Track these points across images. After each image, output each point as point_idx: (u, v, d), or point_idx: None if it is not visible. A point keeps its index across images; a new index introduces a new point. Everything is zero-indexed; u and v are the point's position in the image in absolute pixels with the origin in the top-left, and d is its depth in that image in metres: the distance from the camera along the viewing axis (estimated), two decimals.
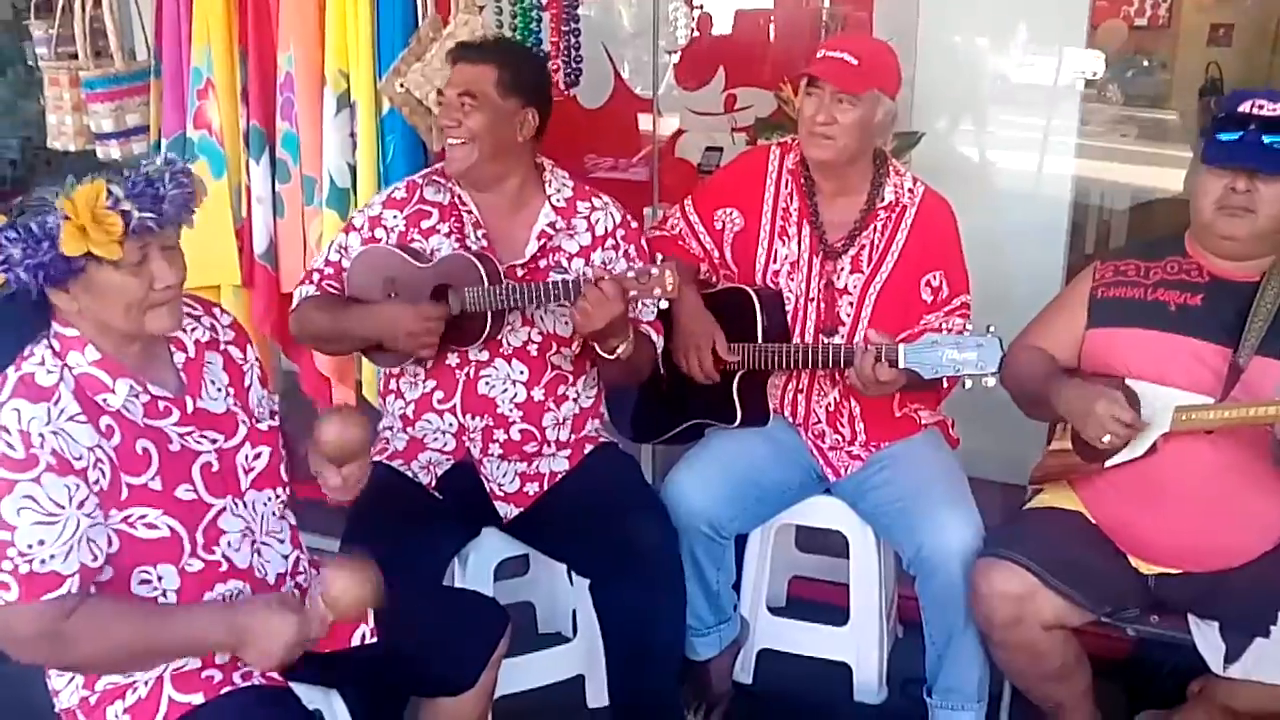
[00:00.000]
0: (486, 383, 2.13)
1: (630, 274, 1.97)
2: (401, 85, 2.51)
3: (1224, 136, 1.87)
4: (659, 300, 1.98)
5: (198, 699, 1.53)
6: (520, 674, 2.22)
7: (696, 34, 3.66)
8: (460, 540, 2.17)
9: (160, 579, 1.51)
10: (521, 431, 2.15)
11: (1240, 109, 1.86)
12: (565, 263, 2.16)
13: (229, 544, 1.57)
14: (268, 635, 1.48)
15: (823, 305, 2.21)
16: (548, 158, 2.26)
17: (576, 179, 2.24)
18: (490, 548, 2.22)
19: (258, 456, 1.63)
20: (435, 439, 2.17)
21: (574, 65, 2.74)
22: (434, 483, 2.16)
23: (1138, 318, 1.97)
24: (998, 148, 3.30)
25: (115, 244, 1.40)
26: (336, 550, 2.00)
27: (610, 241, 2.20)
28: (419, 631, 1.77)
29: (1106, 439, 1.85)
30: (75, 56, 2.88)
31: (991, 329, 1.94)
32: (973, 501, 2.15)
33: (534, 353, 2.14)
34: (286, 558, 1.68)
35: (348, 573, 1.51)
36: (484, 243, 2.13)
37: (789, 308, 2.22)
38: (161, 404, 1.54)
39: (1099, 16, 4.14)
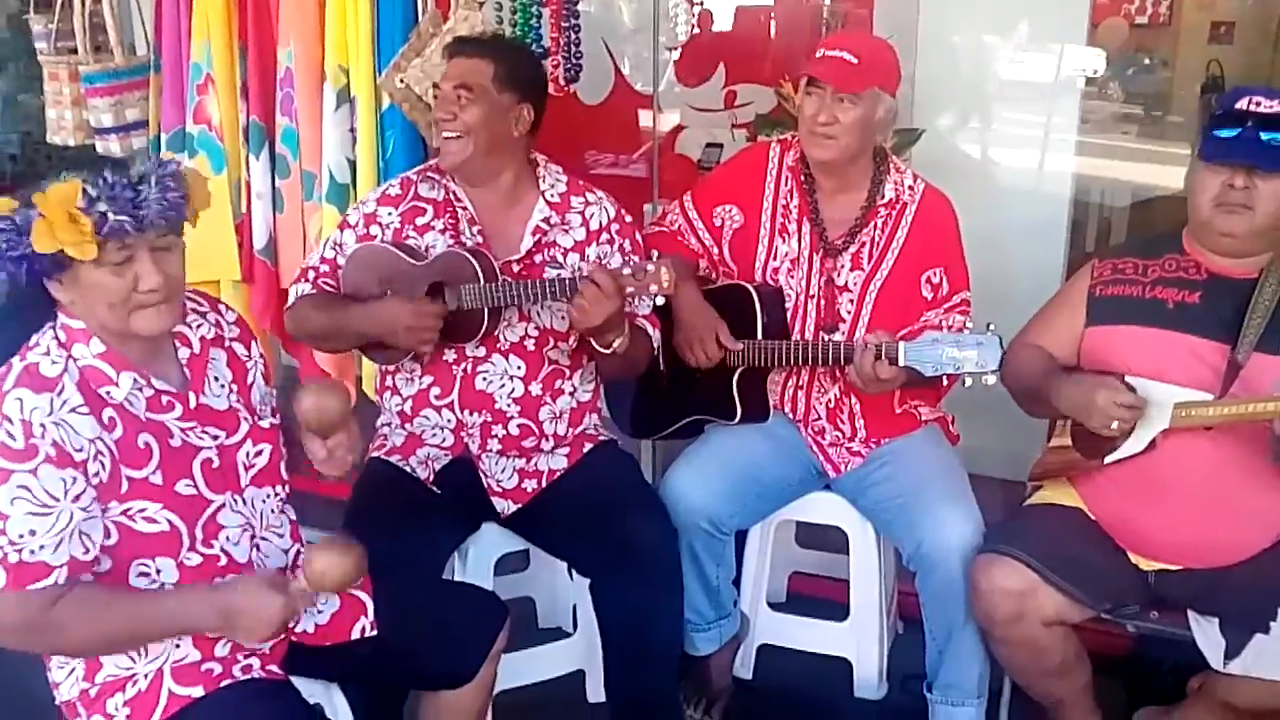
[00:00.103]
0: (484, 378, 2.13)
1: (627, 270, 1.97)
2: (401, 81, 2.51)
3: (1222, 133, 1.86)
4: (655, 296, 1.98)
5: (198, 692, 1.53)
6: (520, 669, 2.22)
7: (697, 30, 3.66)
8: (460, 535, 2.17)
9: (159, 572, 1.51)
10: (520, 427, 2.15)
11: (1238, 106, 1.85)
12: (560, 258, 2.16)
13: (228, 539, 1.57)
14: (255, 614, 1.48)
15: (823, 302, 2.21)
16: (549, 153, 2.26)
17: (570, 174, 2.24)
18: (490, 543, 2.22)
19: (259, 454, 1.63)
20: (434, 435, 2.17)
21: (574, 61, 2.74)
22: (431, 477, 2.16)
23: (1136, 315, 1.97)
24: (998, 145, 3.30)
25: (89, 244, 1.39)
26: None
27: (605, 236, 2.20)
28: (418, 625, 1.77)
29: (1114, 425, 1.84)
30: (75, 51, 2.88)
31: (992, 327, 1.94)
32: (973, 498, 2.15)
33: (531, 348, 2.14)
34: (286, 552, 1.68)
35: (332, 549, 1.50)
36: (479, 239, 2.13)
37: (789, 305, 2.22)
38: (164, 398, 1.54)
39: (1100, 14, 4.14)
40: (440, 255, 2.09)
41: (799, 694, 2.46)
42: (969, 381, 1.95)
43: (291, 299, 2.19)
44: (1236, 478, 1.88)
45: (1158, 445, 1.89)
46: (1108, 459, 1.94)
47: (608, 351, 2.05)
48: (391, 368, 2.19)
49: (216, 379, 1.62)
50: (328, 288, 2.16)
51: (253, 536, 1.62)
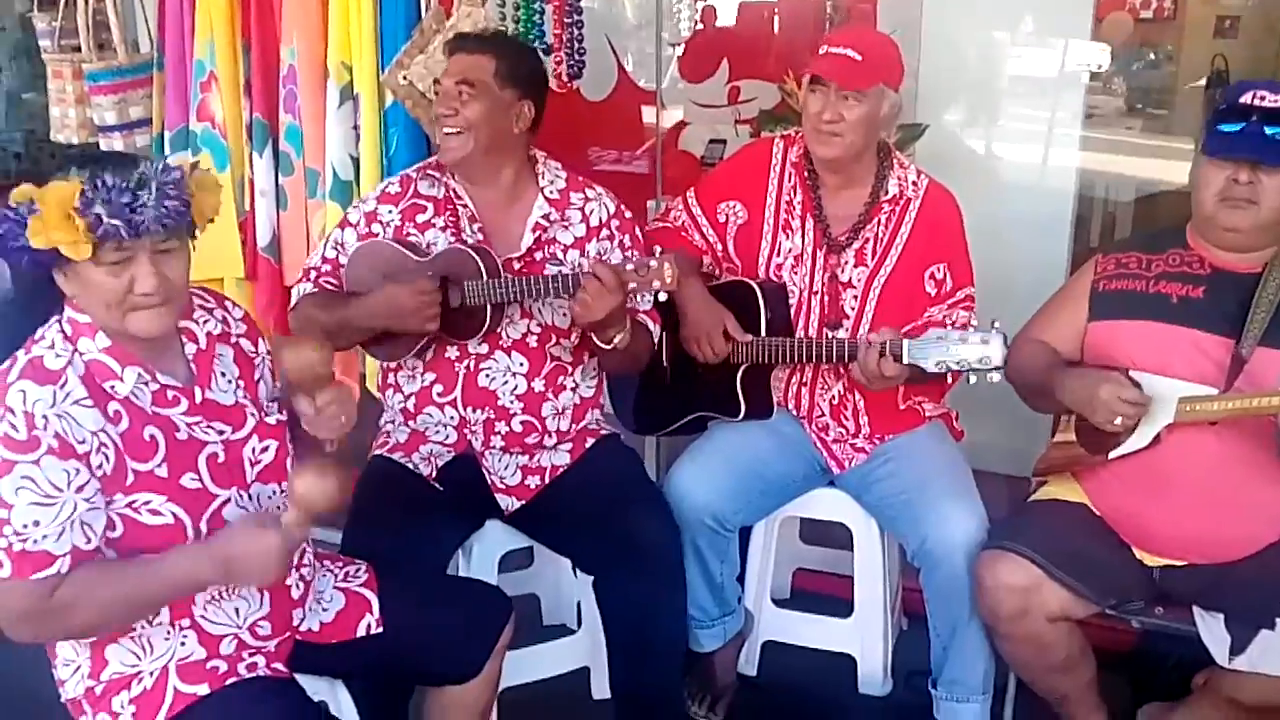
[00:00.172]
0: (487, 375, 2.13)
1: (629, 266, 1.96)
2: (404, 78, 2.51)
3: (1225, 128, 1.86)
4: (658, 292, 1.98)
5: (203, 689, 1.54)
6: (525, 665, 2.23)
7: (700, 26, 3.66)
8: (463, 532, 2.17)
9: None
10: (523, 423, 2.15)
11: (1242, 100, 1.85)
12: (560, 254, 2.16)
13: None
14: (254, 557, 1.46)
15: (827, 299, 2.21)
16: (552, 150, 2.26)
17: (569, 170, 2.24)
18: (494, 540, 2.22)
19: (265, 450, 1.63)
20: (437, 432, 2.17)
21: (577, 57, 2.74)
22: (434, 474, 2.16)
23: (1140, 310, 1.96)
24: (1002, 140, 3.29)
25: (83, 244, 1.39)
26: (339, 543, 2.01)
27: (605, 232, 2.20)
28: (423, 620, 1.78)
29: (1118, 421, 1.84)
30: (78, 49, 2.88)
31: (996, 324, 1.94)
32: (977, 494, 2.15)
33: (533, 344, 2.14)
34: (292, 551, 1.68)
35: (309, 472, 1.49)
36: (480, 236, 2.13)
37: (793, 301, 2.22)
38: (170, 393, 1.54)
39: (1104, 8, 4.13)
40: (443, 252, 2.09)
41: (804, 690, 2.45)
42: (973, 379, 1.95)
43: (294, 299, 2.19)
44: (1241, 472, 1.88)
45: (1162, 440, 1.89)
46: (1112, 454, 1.94)
47: (609, 347, 2.05)
48: (393, 365, 2.19)
49: (223, 374, 1.62)
50: (330, 286, 2.16)
51: None
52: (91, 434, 1.44)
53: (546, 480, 2.19)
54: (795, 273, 2.23)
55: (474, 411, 2.14)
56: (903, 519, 2.18)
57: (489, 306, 2.04)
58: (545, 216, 2.16)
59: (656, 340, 2.25)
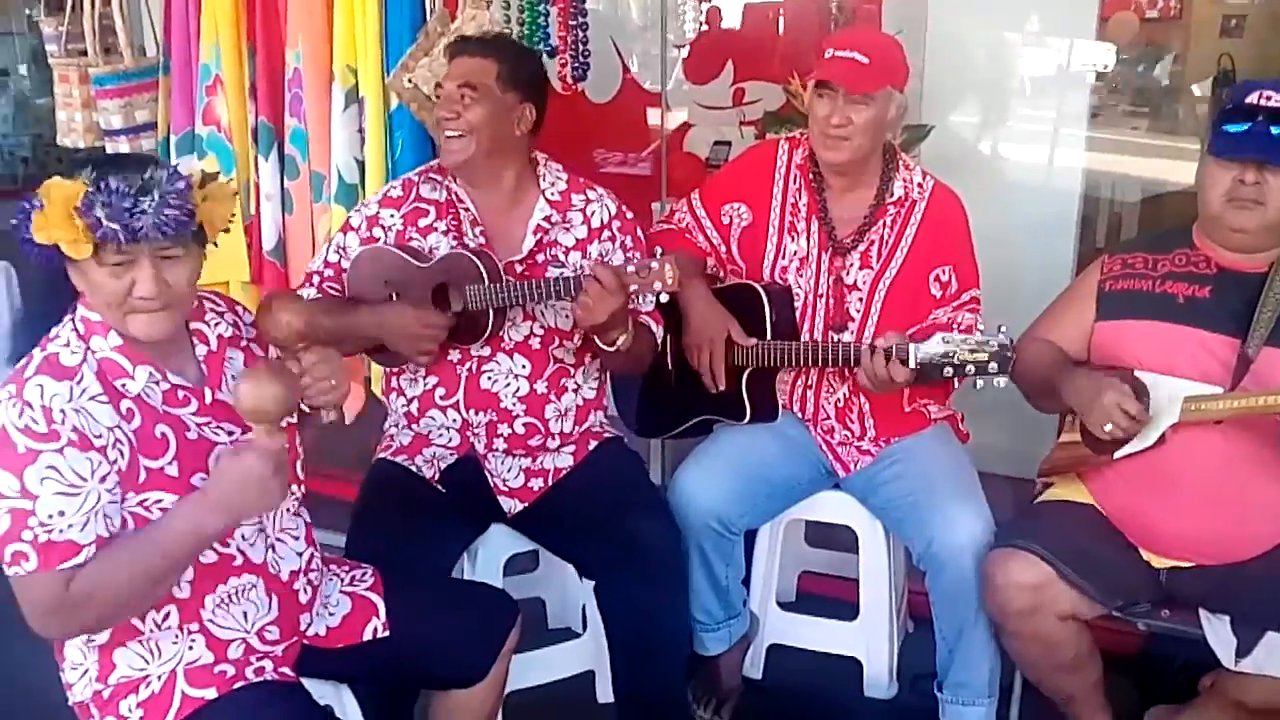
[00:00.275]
0: (489, 377, 2.13)
1: (630, 268, 1.96)
2: (409, 80, 2.51)
3: (1231, 128, 1.86)
4: (660, 293, 1.98)
5: (210, 694, 1.54)
6: (530, 669, 2.22)
7: (705, 27, 3.66)
8: (468, 536, 2.17)
9: None
10: (525, 425, 2.15)
11: (1248, 100, 1.85)
12: (562, 256, 2.17)
13: (242, 537, 1.58)
14: (245, 484, 1.44)
15: (832, 301, 2.21)
16: (558, 152, 2.26)
17: (570, 172, 2.24)
18: (499, 543, 2.22)
19: None
20: (440, 435, 2.17)
21: (581, 60, 2.74)
22: (437, 476, 2.16)
23: (1146, 310, 1.96)
24: (1008, 140, 3.29)
25: (83, 244, 1.40)
26: (344, 546, 2.01)
27: (606, 234, 2.20)
28: (429, 624, 1.78)
29: (1108, 428, 1.84)
30: (85, 53, 2.89)
31: (1003, 328, 1.94)
32: (983, 496, 2.15)
33: (536, 346, 2.15)
34: (300, 555, 1.68)
35: (245, 379, 1.44)
36: (481, 240, 2.13)
37: (798, 304, 2.22)
38: (180, 393, 1.55)
39: (1110, 8, 4.12)
40: (444, 257, 2.09)
41: (809, 694, 2.45)
42: (980, 383, 1.95)
43: None
44: (1247, 471, 1.88)
45: (1168, 440, 1.89)
46: (1117, 454, 1.94)
47: (612, 349, 2.05)
48: (397, 369, 2.19)
49: (233, 377, 1.62)
50: (332, 291, 2.16)
51: (267, 537, 1.62)
52: (107, 429, 1.45)
53: (549, 482, 2.19)
54: (800, 275, 2.23)
55: (476, 414, 2.14)
56: (908, 521, 2.17)
57: (491, 311, 2.05)
58: (547, 219, 2.16)
59: (660, 341, 2.25)
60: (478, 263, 2.04)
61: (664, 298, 2.01)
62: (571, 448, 2.22)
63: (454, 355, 2.13)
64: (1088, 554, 1.93)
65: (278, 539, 1.64)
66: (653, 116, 3.83)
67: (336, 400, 1.64)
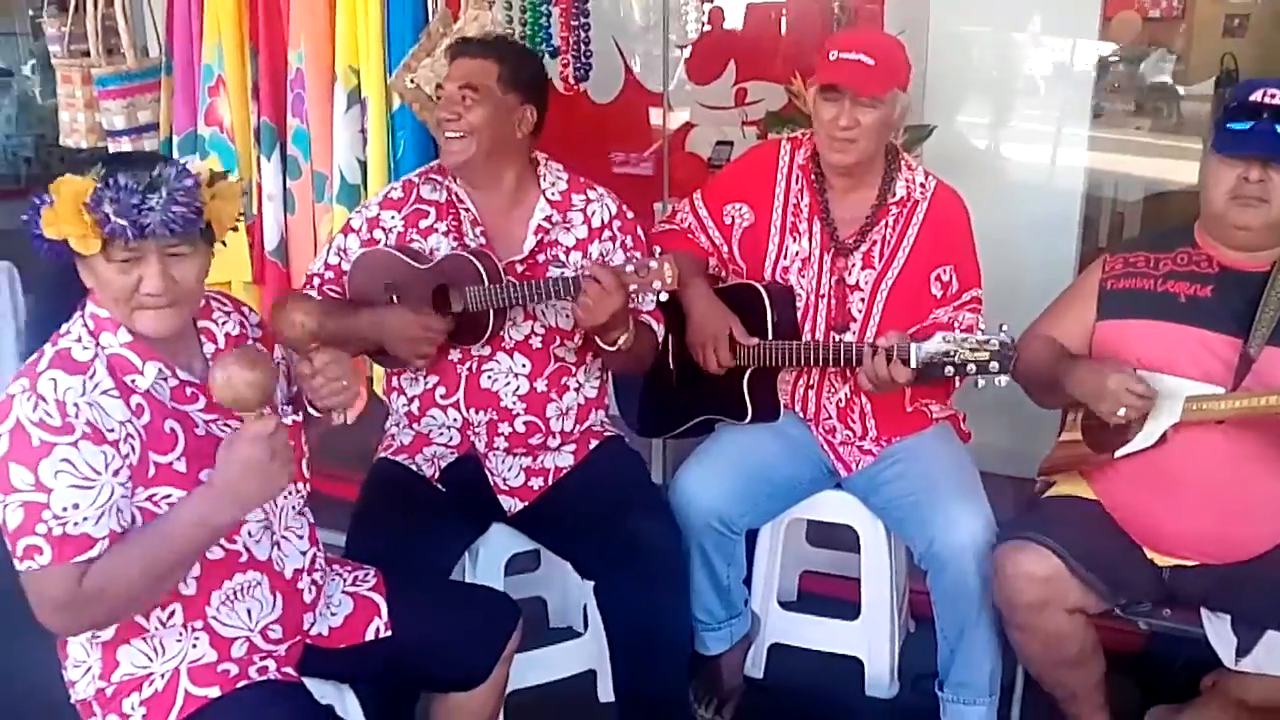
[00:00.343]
0: (489, 377, 2.14)
1: (629, 268, 1.97)
2: (412, 81, 2.51)
3: (1235, 126, 1.86)
4: (659, 293, 1.98)
5: (214, 692, 1.54)
6: (531, 669, 2.22)
7: (707, 28, 3.66)
8: (469, 536, 2.18)
9: None
10: (526, 424, 2.15)
11: (1252, 98, 1.85)
12: (563, 256, 2.17)
13: (249, 534, 1.58)
14: (250, 471, 1.43)
15: (834, 302, 2.21)
16: (560, 153, 2.26)
17: (571, 171, 2.24)
18: (500, 543, 2.22)
19: None
20: (441, 434, 2.18)
21: (584, 60, 2.74)
22: (437, 475, 2.17)
23: (1147, 309, 1.96)
24: (1010, 140, 3.29)
25: (92, 239, 1.42)
26: (344, 546, 2.01)
27: (607, 233, 2.20)
28: (430, 626, 1.77)
29: (1122, 412, 1.84)
30: (88, 54, 2.90)
31: (1004, 327, 1.94)
32: (984, 495, 2.15)
33: (536, 345, 2.15)
34: (304, 554, 1.68)
35: (219, 367, 1.43)
36: (482, 240, 2.13)
37: (800, 304, 2.22)
38: (189, 389, 1.55)
39: (1112, 8, 4.12)
40: (444, 258, 2.09)
41: (810, 693, 2.45)
42: (981, 382, 1.95)
43: None
44: (1250, 469, 1.88)
45: (1169, 439, 1.89)
46: (1118, 453, 1.94)
47: (613, 349, 2.05)
48: (397, 369, 2.20)
49: None
50: (333, 294, 2.16)
51: (273, 535, 1.62)
52: (119, 424, 1.45)
53: (549, 481, 2.19)
54: (802, 276, 2.23)
55: (477, 413, 2.14)
56: (910, 521, 2.17)
57: (491, 311, 2.05)
58: (547, 219, 2.16)
59: (661, 340, 2.25)
60: (477, 263, 2.04)
61: (663, 297, 2.01)
62: (572, 446, 2.22)
63: (454, 355, 2.13)
64: (1095, 550, 1.93)
65: (282, 536, 1.64)
66: (655, 116, 3.83)
67: (348, 401, 1.65)
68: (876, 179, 2.21)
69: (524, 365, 2.14)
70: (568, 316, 2.12)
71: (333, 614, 1.74)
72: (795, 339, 2.19)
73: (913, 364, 1.96)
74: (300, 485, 1.68)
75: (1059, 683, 2.08)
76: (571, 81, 2.76)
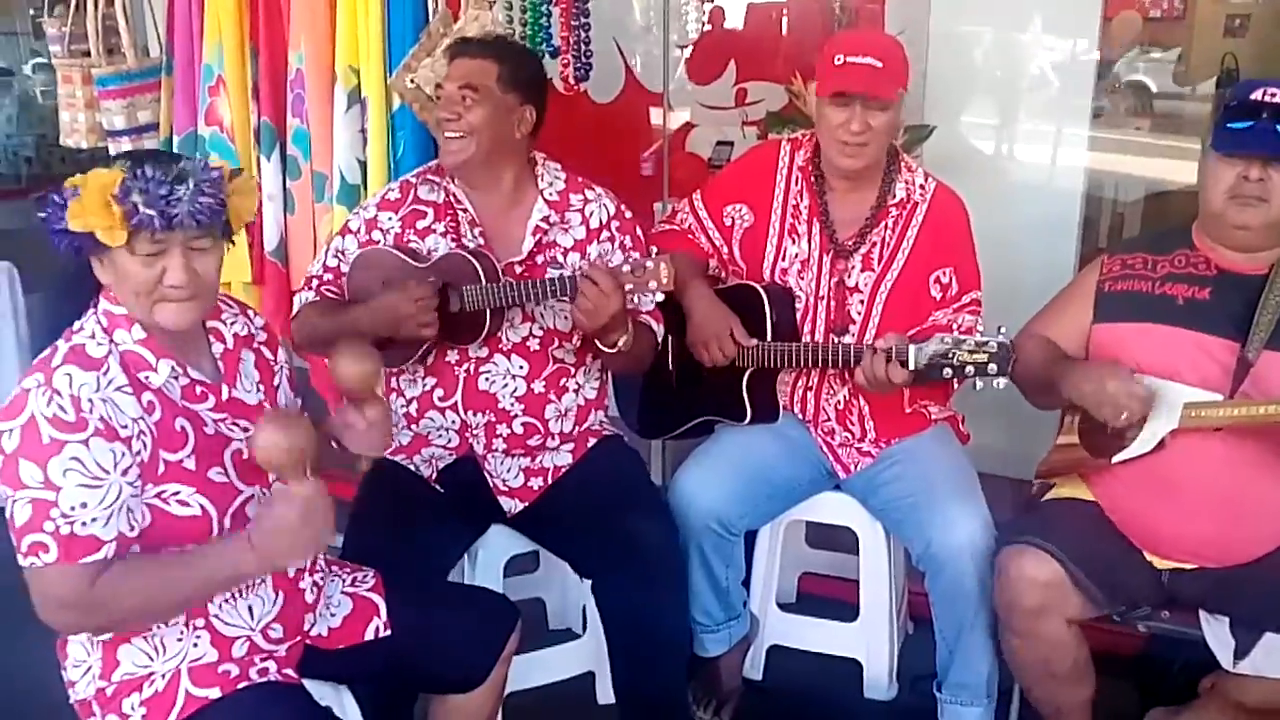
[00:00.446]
0: (487, 378, 2.14)
1: (626, 268, 1.97)
2: (412, 81, 2.51)
3: (1235, 125, 1.85)
4: (655, 293, 1.98)
5: (214, 693, 1.54)
6: (530, 670, 2.22)
7: (708, 28, 3.67)
8: (468, 537, 2.18)
9: None
10: (524, 425, 2.16)
11: (1253, 97, 1.84)
12: (561, 257, 2.17)
13: None
14: (281, 532, 1.46)
15: (833, 304, 2.21)
16: (559, 154, 2.26)
17: (569, 171, 2.24)
18: (499, 545, 2.22)
19: None
20: (439, 436, 2.18)
21: (584, 60, 2.74)
22: (435, 476, 2.17)
23: (1145, 312, 1.96)
24: (1010, 140, 3.29)
25: (119, 230, 1.43)
26: (340, 546, 2.01)
27: (605, 234, 2.20)
28: (429, 628, 1.78)
29: (1124, 416, 1.84)
30: (88, 54, 2.90)
31: (1002, 329, 1.94)
32: (982, 497, 2.15)
33: (534, 347, 2.15)
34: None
35: (262, 432, 1.46)
36: (480, 240, 2.13)
37: (799, 306, 2.22)
38: (199, 388, 1.56)
39: (1113, 7, 4.12)
40: (442, 257, 2.10)
41: (809, 695, 2.45)
42: (979, 384, 1.95)
43: (296, 307, 2.20)
44: (1248, 474, 1.87)
45: (1167, 444, 1.88)
46: (1115, 458, 1.93)
47: (612, 350, 2.05)
48: (395, 370, 2.20)
49: (247, 376, 1.65)
50: (331, 294, 2.17)
51: None
52: (132, 420, 1.46)
53: (549, 481, 2.19)
54: (802, 278, 2.22)
55: (475, 415, 2.14)
56: (908, 523, 2.17)
57: (488, 311, 2.05)
58: (545, 219, 2.16)
59: (660, 341, 2.25)
60: (475, 263, 2.05)
61: (660, 297, 2.01)
62: (570, 445, 2.22)
63: (452, 356, 2.13)
64: (1095, 556, 1.92)
65: None
66: (655, 116, 3.83)
67: (380, 450, 1.69)
68: (876, 181, 2.21)
69: (522, 367, 2.14)
70: (566, 318, 2.12)
71: (332, 614, 1.75)
72: (794, 340, 2.19)
73: (911, 366, 1.96)
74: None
75: (1049, 695, 2.07)
76: (572, 81, 2.76)
